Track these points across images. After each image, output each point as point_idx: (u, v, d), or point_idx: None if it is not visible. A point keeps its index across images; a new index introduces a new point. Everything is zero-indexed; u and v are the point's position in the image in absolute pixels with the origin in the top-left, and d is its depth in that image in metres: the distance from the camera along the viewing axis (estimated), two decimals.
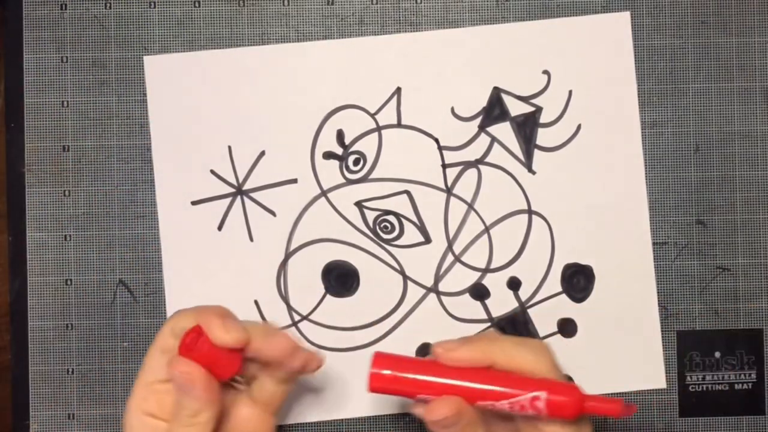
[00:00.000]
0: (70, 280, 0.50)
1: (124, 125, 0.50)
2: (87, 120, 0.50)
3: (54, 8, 0.50)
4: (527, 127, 0.50)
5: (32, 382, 0.50)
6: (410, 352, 0.50)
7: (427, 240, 0.50)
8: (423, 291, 0.50)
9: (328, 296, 0.50)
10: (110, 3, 0.50)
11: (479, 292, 0.50)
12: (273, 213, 0.50)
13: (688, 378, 0.50)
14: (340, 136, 0.50)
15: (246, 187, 0.50)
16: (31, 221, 0.50)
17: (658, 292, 0.50)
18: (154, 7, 0.50)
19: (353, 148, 0.50)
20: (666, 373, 0.50)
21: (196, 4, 0.50)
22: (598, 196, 0.50)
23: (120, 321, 0.50)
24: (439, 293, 0.50)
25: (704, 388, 0.50)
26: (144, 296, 0.50)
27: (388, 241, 0.50)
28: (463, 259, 0.50)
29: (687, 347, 0.50)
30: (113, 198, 0.50)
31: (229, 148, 0.50)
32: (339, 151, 0.50)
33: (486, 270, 0.50)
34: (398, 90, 0.50)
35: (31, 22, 0.50)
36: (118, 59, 0.50)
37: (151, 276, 0.50)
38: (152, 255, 0.50)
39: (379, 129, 0.50)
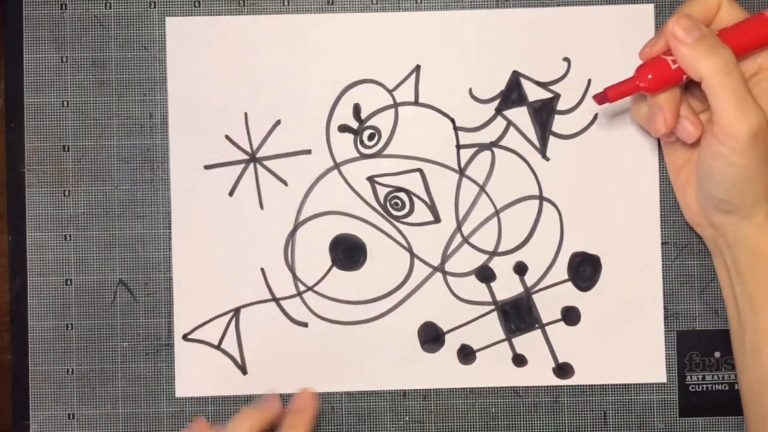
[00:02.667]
0: (70, 280, 0.50)
1: (124, 125, 0.50)
2: (87, 120, 0.50)
3: (54, 8, 0.50)
4: (544, 113, 0.50)
5: (32, 382, 0.50)
6: (412, 330, 0.50)
7: (437, 219, 0.50)
8: (429, 270, 0.50)
9: (335, 269, 0.50)
10: (110, 3, 0.50)
11: (485, 275, 0.50)
12: (285, 182, 0.50)
13: (688, 378, 0.50)
14: (356, 110, 0.50)
15: (259, 154, 0.50)
16: (31, 221, 0.50)
17: None
18: (154, 7, 0.50)
19: (369, 123, 0.50)
20: (666, 372, 0.50)
21: (196, 5, 0.50)
22: (611, 186, 0.50)
23: (120, 321, 0.50)
24: (445, 273, 0.50)
25: (704, 388, 0.50)
26: (144, 296, 0.50)
27: (397, 218, 0.50)
28: (471, 240, 0.50)
29: (687, 347, 0.50)
30: (113, 198, 0.50)
31: (245, 114, 0.50)
32: (354, 125, 0.50)
33: (493, 253, 0.50)
34: (417, 68, 0.50)
35: (31, 22, 0.50)
36: (118, 59, 0.50)
37: (151, 276, 0.50)
38: (152, 255, 0.50)
39: (395, 105, 0.50)
